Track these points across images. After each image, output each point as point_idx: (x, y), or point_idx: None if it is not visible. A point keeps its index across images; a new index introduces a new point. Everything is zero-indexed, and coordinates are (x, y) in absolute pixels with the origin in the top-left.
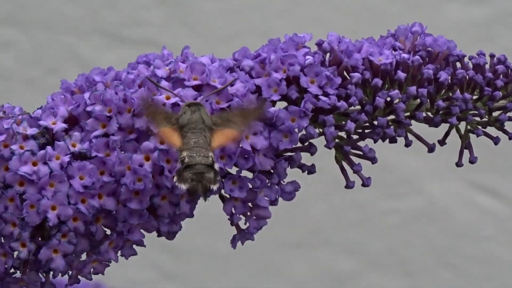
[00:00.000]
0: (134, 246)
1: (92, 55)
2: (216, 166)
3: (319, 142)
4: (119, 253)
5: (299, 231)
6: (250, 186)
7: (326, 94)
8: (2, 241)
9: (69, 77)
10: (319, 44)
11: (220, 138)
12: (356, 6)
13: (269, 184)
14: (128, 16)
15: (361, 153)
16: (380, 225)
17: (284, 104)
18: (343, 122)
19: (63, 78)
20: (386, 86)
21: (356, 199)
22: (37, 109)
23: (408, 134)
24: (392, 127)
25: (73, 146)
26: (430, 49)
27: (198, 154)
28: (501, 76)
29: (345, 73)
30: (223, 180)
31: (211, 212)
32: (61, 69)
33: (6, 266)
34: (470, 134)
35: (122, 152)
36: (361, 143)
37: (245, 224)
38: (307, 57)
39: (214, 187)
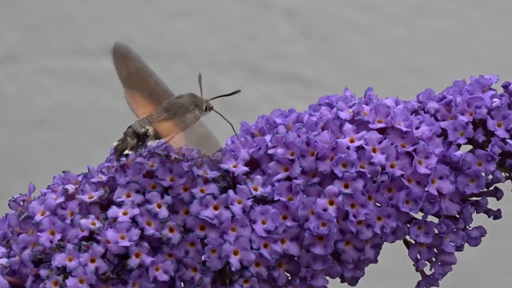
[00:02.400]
0: None
1: (231, 90)
2: (151, 142)
3: (504, 186)
4: None
5: (448, 276)
6: (436, 231)
7: None
8: (183, 286)
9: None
10: (506, 86)
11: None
12: (510, 39)
13: (455, 230)
14: (270, 49)
15: None
16: None
17: (469, 147)
18: None
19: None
20: None
21: (510, 243)
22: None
23: None
24: None
25: (255, 189)
26: None
27: (139, 122)
28: None
29: None
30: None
31: None
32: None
33: None
34: None
35: (305, 196)
36: None
37: (430, 270)
38: (494, 99)
39: (127, 152)
